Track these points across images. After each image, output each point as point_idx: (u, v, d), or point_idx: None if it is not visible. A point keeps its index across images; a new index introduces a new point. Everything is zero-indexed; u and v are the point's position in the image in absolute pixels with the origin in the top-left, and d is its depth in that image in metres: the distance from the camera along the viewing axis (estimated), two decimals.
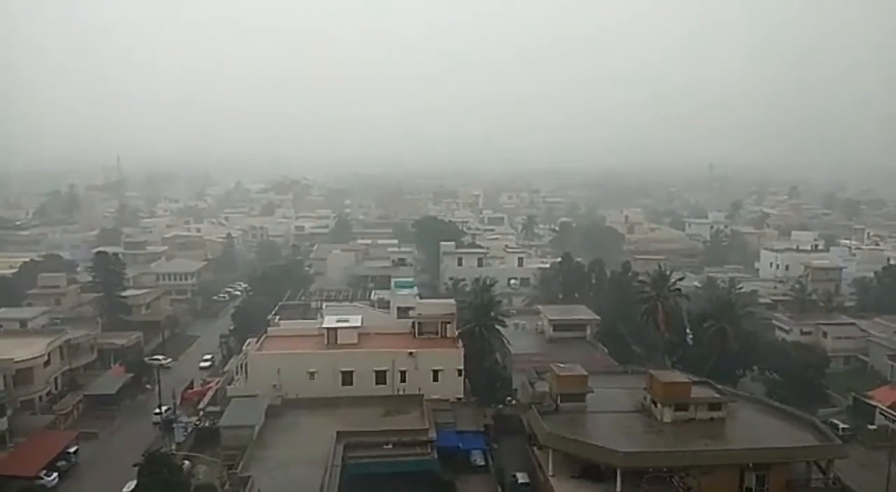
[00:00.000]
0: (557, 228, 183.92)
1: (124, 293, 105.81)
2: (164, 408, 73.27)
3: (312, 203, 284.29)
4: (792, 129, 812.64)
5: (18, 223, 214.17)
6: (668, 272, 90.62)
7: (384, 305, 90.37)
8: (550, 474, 55.32)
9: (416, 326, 77.53)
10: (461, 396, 71.48)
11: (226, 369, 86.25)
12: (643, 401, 61.64)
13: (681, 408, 58.69)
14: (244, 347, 77.42)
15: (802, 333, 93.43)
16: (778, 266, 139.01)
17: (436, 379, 70.63)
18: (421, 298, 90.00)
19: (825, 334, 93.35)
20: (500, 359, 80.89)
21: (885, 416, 71.35)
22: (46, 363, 77.03)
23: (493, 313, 79.01)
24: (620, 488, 51.83)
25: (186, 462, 58.73)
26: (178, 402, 76.57)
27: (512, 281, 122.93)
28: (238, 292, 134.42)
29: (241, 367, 73.98)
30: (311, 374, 69.44)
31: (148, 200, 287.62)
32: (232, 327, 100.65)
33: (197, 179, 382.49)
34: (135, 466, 54.02)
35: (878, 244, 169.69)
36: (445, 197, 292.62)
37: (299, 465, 54.88)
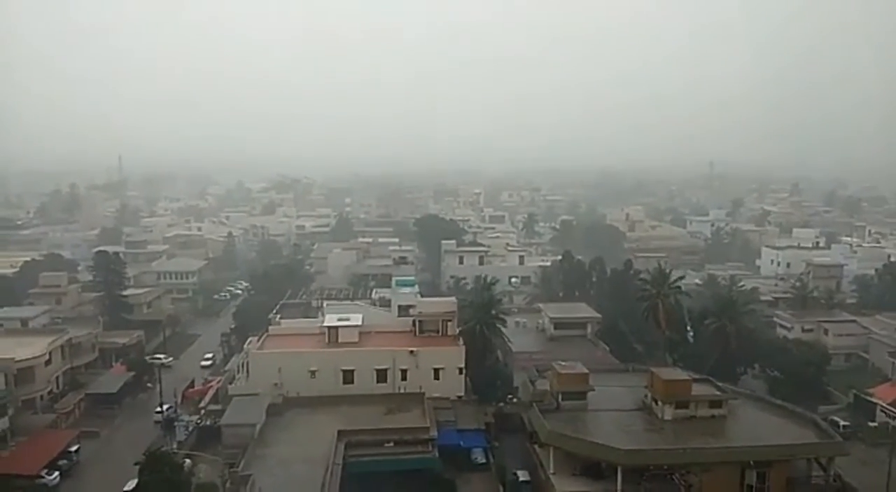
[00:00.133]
0: (558, 227, 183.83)
1: (125, 292, 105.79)
2: (165, 407, 73.29)
3: (313, 202, 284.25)
4: (792, 127, 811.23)
5: (19, 223, 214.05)
6: (668, 270, 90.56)
7: (385, 303, 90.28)
8: (551, 471, 55.34)
9: (417, 324, 77.55)
10: (462, 394, 71.55)
11: (227, 367, 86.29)
12: (644, 399, 61.63)
13: (682, 406, 58.70)
14: (245, 346, 77.45)
15: (803, 330, 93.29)
16: (779, 263, 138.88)
17: (437, 377, 70.71)
18: (422, 296, 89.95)
19: (826, 332, 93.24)
20: (501, 357, 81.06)
21: (886, 413, 71.38)
22: (48, 362, 77.08)
23: (494, 312, 79.05)
24: (621, 486, 51.86)
25: (187, 461, 58.74)
26: (180, 400, 76.61)
27: (513, 279, 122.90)
28: (239, 291, 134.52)
29: (243, 365, 74.03)
30: (312, 372, 69.49)
31: (149, 200, 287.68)
32: (233, 326, 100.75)
33: (198, 179, 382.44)
34: (136, 464, 54.03)
35: (879, 241, 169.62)
36: (446, 195, 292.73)
37: (300, 463, 54.91)
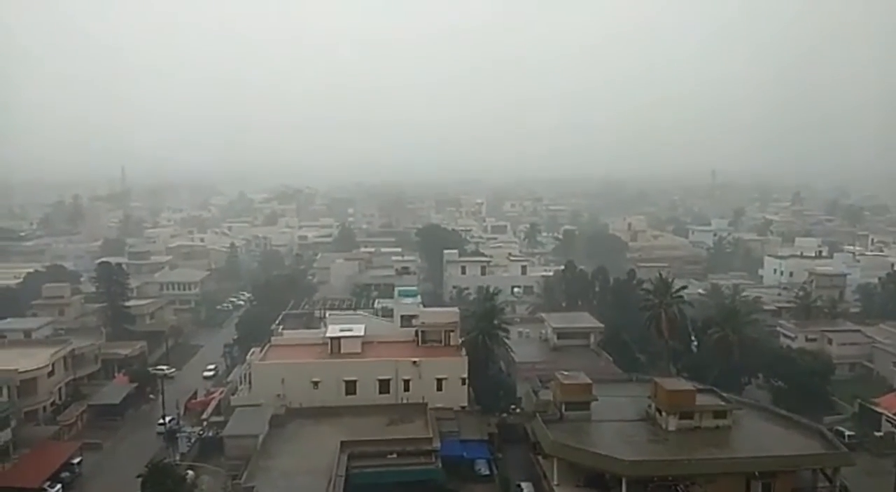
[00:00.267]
0: (561, 236, 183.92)
1: (128, 303, 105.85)
2: (167, 418, 73.13)
3: (316, 212, 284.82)
4: (794, 132, 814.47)
5: (22, 234, 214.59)
6: (671, 280, 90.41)
7: (388, 313, 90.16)
8: (555, 482, 55.15)
9: (420, 334, 77.54)
10: (465, 404, 71.39)
11: (229, 378, 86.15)
12: (648, 409, 61.43)
13: (686, 416, 58.47)
14: (248, 357, 77.38)
15: (807, 340, 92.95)
16: (782, 273, 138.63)
17: (439, 388, 70.59)
18: (424, 306, 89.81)
19: (830, 341, 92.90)
20: (503, 367, 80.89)
21: (892, 423, 70.91)
22: (50, 374, 77.04)
23: (496, 322, 78.94)
24: None
25: (190, 472, 58.67)
26: (182, 412, 76.47)
27: (515, 289, 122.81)
28: (241, 302, 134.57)
29: (245, 376, 73.95)
30: (315, 383, 69.43)
31: (152, 211, 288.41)
32: (235, 337, 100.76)
33: (201, 190, 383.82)
34: (138, 477, 53.96)
35: (882, 250, 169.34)
36: (448, 205, 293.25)
37: (303, 474, 54.78)
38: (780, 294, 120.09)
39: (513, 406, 73.29)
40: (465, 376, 71.55)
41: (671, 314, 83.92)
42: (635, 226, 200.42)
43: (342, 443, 58.49)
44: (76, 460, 65.36)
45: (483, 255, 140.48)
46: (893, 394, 76.96)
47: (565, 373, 63.86)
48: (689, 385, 61.51)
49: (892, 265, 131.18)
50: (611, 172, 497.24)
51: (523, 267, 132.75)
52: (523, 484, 59.95)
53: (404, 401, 69.54)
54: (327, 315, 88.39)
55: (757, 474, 53.21)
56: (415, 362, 70.83)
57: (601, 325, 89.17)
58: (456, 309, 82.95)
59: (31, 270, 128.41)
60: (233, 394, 74.45)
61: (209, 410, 74.13)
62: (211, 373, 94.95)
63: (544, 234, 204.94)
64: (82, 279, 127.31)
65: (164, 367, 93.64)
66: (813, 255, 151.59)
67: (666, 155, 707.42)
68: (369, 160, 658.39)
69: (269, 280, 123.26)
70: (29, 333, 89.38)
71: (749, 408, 64.26)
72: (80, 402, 79.18)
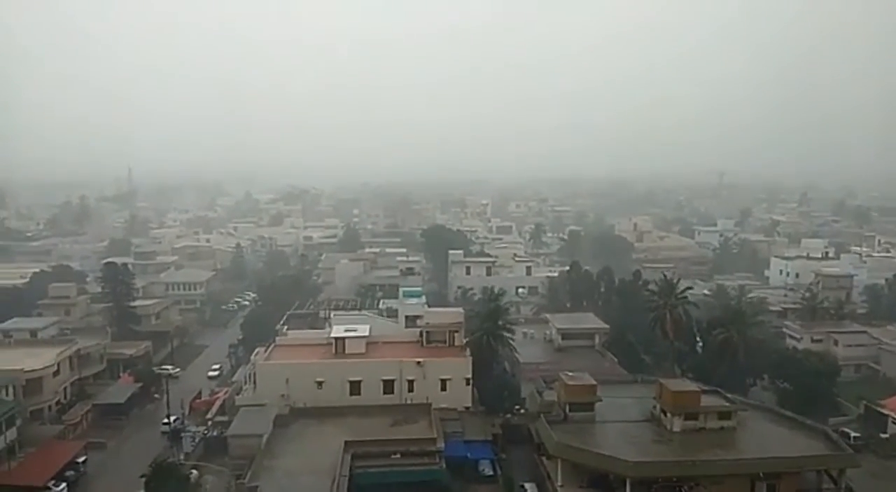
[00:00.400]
0: (566, 237, 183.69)
1: (133, 303, 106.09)
2: (172, 418, 73.25)
3: (321, 213, 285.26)
4: (795, 134, 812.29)
5: (29, 234, 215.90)
6: (676, 280, 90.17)
7: (392, 314, 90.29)
8: (559, 484, 55.03)
9: (424, 335, 77.49)
10: (469, 405, 71.33)
11: (234, 378, 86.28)
12: (652, 410, 61.23)
13: (690, 417, 58.27)
14: (252, 357, 77.58)
15: (813, 341, 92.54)
16: (788, 274, 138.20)
17: (444, 388, 70.55)
18: (429, 307, 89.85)
19: (836, 342, 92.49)
20: (508, 368, 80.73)
21: None
22: (56, 373, 77.29)
23: (501, 322, 78.89)
24: None
25: (194, 472, 58.87)
26: (187, 411, 76.74)
27: (520, 290, 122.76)
28: (246, 302, 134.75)
29: (250, 376, 74.11)
30: (319, 383, 69.45)
31: (158, 211, 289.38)
32: (240, 337, 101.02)
33: (207, 190, 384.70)
34: (142, 477, 54.12)
35: (889, 251, 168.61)
36: (453, 206, 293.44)
37: (307, 474, 54.79)
38: (786, 295, 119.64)
39: (517, 407, 73.09)
40: (470, 376, 71.48)
41: (676, 315, 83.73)
42: (641, 226, 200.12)
43: (346, 443, 58.49)
44: (81, 460, 65.61)
45: (488, 255, 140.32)
46: None
47: (570, 374, 63.70)
48: (693, 386, 61.32)
49: None
50: (612, 172, 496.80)
51: (528, 268, 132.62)
52: (527, 485, 59.86)
53: (408, 401, 69.49)
54: (332, 315, 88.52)
55: (762, 475, 52.97)
56: (419, 363, 70.80)
57: (606, 326, 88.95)
58: (460, 310, 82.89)
59: (37, 270, 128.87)
60: (237, 394, 74.68)
61: (214, 409, 74.35)
62: (215, 373, 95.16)
63: (549, 234, 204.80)
64: (88, 279, 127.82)
65: (169, 367, 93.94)
66: (819, 256, 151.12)
67: (667, 155, 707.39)
68: (370, 160, 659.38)
69: (274, 280, 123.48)
70: (35, 333, 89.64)
71: (754, 409, 64.03)
72: (85, 401, 79.47)
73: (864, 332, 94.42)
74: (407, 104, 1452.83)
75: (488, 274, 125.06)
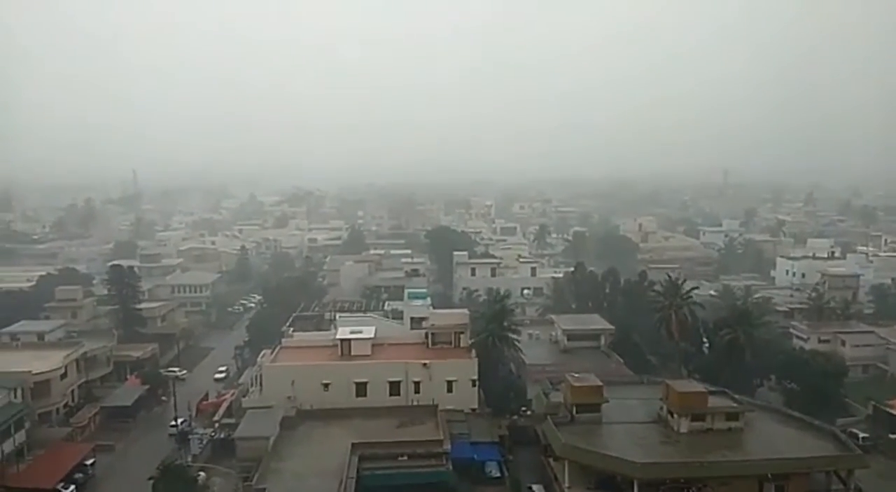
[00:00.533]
0: (570, 238, 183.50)
1: (140, 306, 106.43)
2: (179, 420, 73.40)
3: (325, 215, 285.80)
4: (796, 134, 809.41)
5: (35, 237, 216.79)
6: (681, 281, 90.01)
7: (398, 315, 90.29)
8: (566, 485, 54.97)
9: (430, 336, 77.50)
10: (475, 406, 71.28)
11: (240, 380, 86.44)
12: (659, 411, 61.13)
13: (697, 418, 58.14)
14: (259, 359, 77.58)
15: (820, 341, 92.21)
16: (794, 274, 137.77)
17: (450, 390, 70.51)
18: (434, 308, 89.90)
19: (843, 343, 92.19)
20: (514, 369, 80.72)
21: None
22: (63, 376, 77.56)
23: (506, 323, 78.85)
24: None
25: (202, 474, 58.97)
26: (194, 414, 76.84)
27: (525, 291, 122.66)
28: (252, 304, 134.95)
29: (256, 378, 74.15)
30: (326, 385, 69.54)
31: (163, 214, 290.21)
32: (246, 339, 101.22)
33: (212, 192, 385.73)
34: (150, 479, 54.23)
35: (895, 251, 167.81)
36: (458, 207, 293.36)
37: (314, 476, 54.85)
38: (792, 295, 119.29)
39: (523, 408, 73.02)
40: (476, 377, 71.44)
41: (682, 316, 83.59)
42: (646, 227, 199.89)
43: (353, 445, 58.49)
44: (89, 462, 65.76)
45: (493, 256, 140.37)
46: None
47: (576, 375, 63.66)
48: (700, 387, 61.15)
49: None
50: (613, 172, 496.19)
51: (533, 269, 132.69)
52: (534, 486, 59.79)
53: (414, 403, 69.51)
54: (337, 317, 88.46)
55: (770, 476, 52.78)
56: (425, 364, 70.79)
57: (612, 327, 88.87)
58: (466, 311, 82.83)
59: (43, 272, 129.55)
60: (244, 396, 74.72)
61: (220, 412, 74.45)
62: (222, 375, 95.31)
63: (554, 235, 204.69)
64: (95, 282, 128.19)
65: (176, 369, 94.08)
66: (826, 256, 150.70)
67: (669, 154, 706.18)
68: (371, 161, 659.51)
69: (280, 282, 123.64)
70: (42, 336, 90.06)
71: (761, 410, 63.81)
72: (92, 404, 79.67)
73: (872, 332, 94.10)
74: (407, 104, 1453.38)
75: (493, 275, 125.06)
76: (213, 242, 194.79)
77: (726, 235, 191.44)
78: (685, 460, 53.80)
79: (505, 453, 65.27)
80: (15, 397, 67.81)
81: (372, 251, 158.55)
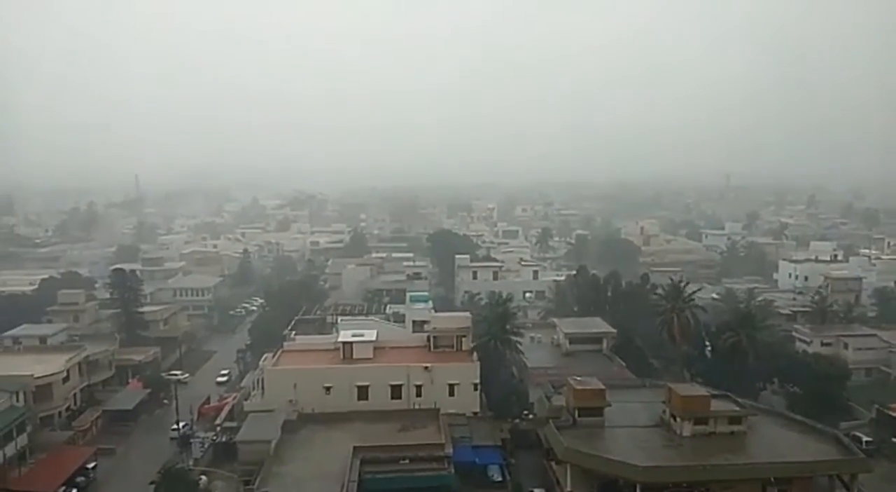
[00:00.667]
0: (572, 241, 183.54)
1: (142, 309, 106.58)
2: (181, 423, 73.39)
3: (327, 218, 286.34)
4: (797, 135, 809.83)
5: (38, 241, 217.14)
6: (682, 284, 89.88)
7: (399, 318, 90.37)
8: (568, 489, 54.80)
9: (432, 339, 77.47)
10: (477, 410, 71.12)
11: (242, 384, 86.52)
12: (662, 415, 60.95)
13: (700, 422, 57.94)
14: (260, 363, 77.64)
15: (823, 344, 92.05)
16: (797, 277, 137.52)
17: (452, 393, 70.38)
18: (436, 311, 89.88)
19: (846, 346, 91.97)
20: (516, 373, 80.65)
21: None
22: (65, 379, 77.59)
23: (508, 327, 78.83)
24: None
25: (203, 477, 58.86)
26: (196, 417, 76.88)
27: (527, 294, 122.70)
28: (254, 308, 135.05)
29: (258, 382, 74.14)
30: (327, 388, 69.47)
31: (166, 217, 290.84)
32: (248, 342, 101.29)
33: (214, 196, 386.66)
34: (151, 483, 54.18)
35: None
36: (460, 210, 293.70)
37: (316, 480, 54.75)
38: (795, 298, 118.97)
39: (525, 412, 72.99)
40: (478, 381, 71.33)
41: (684, 319, 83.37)
42: (648, 230, 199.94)
43: (354, 448, 58.43)
44: (91, 465, 65.84)
45: (495, 260, 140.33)
46: None
47: (578, 378, 63.49)
48: (703, 390, 61.02)
49: None
50: (615, 174, 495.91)
51: (535, 272, 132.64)
52: (536, 490, 59.73)
53: (416, 406, 69.40)
54: (339, 321, 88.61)
55: (773, 480, 52.64)
56: (427, 368, 70.69)
57: (614, 330, 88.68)
58: (468, 314, 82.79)
59: (46, 276, 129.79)
60: (246, 399, 74.77)
61: (222, 415, 74.46)
62: (224, 378, 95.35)
63: (556, 238, 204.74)
64: (97, 286, 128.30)
65: (178, 372, 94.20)
66: (828, 258, 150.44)
67: (670, 156, 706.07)
68: (372, 163, 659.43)
69: (282, 286, 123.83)
70: (44, 339, 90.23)
71: (764, 413, 63.58)
72: (94, 407, 79.72)
73: (875, 335, 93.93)
74: (407, 106, 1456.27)
75: (495, 278, 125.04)
76: (216, 246, 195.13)
77: (729, 238, 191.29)
78: (688, 464, 53.58)
79: (507, 456, 65.16)
80: (17, 400, 67.80)
81: (374, 255, 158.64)
